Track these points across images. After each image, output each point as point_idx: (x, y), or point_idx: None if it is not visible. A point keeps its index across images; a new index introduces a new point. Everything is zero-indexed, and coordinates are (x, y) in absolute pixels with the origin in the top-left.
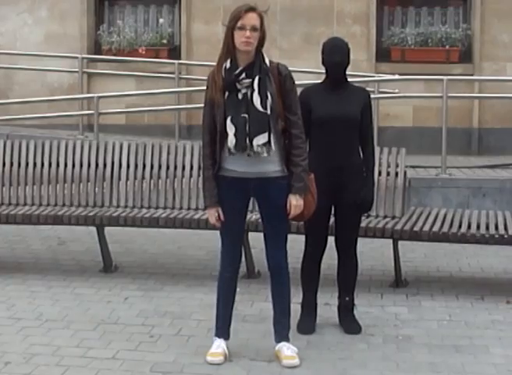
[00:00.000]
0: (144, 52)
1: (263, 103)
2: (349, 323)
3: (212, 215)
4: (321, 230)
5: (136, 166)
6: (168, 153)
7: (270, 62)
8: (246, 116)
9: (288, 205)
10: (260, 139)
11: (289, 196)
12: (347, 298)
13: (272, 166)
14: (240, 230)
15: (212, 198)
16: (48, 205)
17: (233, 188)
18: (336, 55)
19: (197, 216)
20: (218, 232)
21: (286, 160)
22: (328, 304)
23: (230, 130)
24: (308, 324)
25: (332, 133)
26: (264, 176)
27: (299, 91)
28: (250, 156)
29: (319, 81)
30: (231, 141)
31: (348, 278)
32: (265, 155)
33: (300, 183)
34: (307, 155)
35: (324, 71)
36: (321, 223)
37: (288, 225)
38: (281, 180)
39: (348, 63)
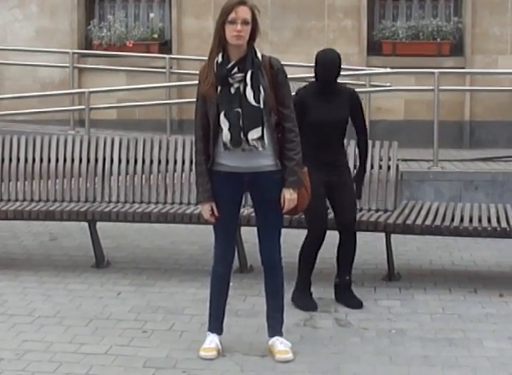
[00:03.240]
0: (131, 45)
1: (256, 97)
2: (350, 298)
3: (206, 210)
4: (322, 219)
5: (127, 161)
6: (160, 148)
7: (262, 55)
8: (239, 110)
9: (282, 199)
10: (254, 133)
11: (282, 190)
12: (347, 277)
13: (266, 161)
14: (234, 225)
15: (206, 193)
16: (40, 200)
17: (227, 183)
18: (327, 67)
19: (189, 211)
20: (210, 226)
21: (280, 154)
22: (321, 298)
23: (224, 125)
24: (310, 300)
25: (322, 135)
26: (258, 171)
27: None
28: (245, 151)
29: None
30: (226, 136)
31: (348, 256)
32: (260, 149)
33: (293, 177)
34: (300, 148)
35: (312, 65)
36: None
37: (281, 219)
38: (275, 174)
39: (339, 74)
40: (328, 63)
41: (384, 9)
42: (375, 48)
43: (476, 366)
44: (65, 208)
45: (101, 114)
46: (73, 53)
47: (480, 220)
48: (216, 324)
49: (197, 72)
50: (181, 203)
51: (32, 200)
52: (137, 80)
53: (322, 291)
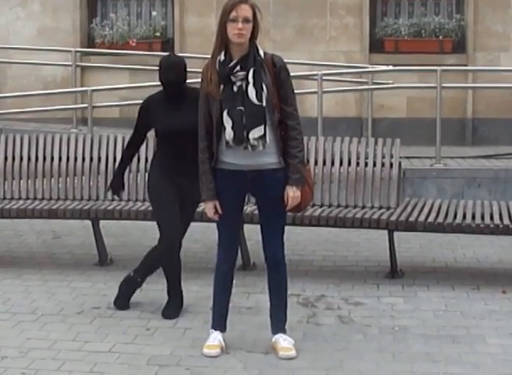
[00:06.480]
0: (134, 44)
1: (258, 95)
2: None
3: (210, 208)
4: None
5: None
6: None
7: (264, 53)
8: (242, 108)
9: (285, 196)
10: (256, 132)
11: (286, 188)
12: (139, 279)
13: (269, 158)
14: (237, 223)
15: (210, 191)
16: (43, 199)
17: (230, 181)
18: (170, 73)
19: None
20: (213, 224)
21: (283, 152)
22: (323, 295)
23: (227, 123)
24: None
25: (171, 143)
26: (261, 169)
27: None
28: (247, 149)
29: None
30: (229, 134)
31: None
32: (261, 148)
33: (296, 175)
34: (303, 146)
35: (314, 62)
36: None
37: (285, 217)
38: (278, 171)
39: (185, 80)
40: (170, 67)
41: (386, 7)
42: (377, 45)
43: (479, 362)
44: (68, 207)
45: (104, 112)
46: (76, 52)
47: (482, 217)
48: (220, 322)
49: (200, 70)
50: None
51: (35, 198)
52: (140, 79)
53: (325, 289)
